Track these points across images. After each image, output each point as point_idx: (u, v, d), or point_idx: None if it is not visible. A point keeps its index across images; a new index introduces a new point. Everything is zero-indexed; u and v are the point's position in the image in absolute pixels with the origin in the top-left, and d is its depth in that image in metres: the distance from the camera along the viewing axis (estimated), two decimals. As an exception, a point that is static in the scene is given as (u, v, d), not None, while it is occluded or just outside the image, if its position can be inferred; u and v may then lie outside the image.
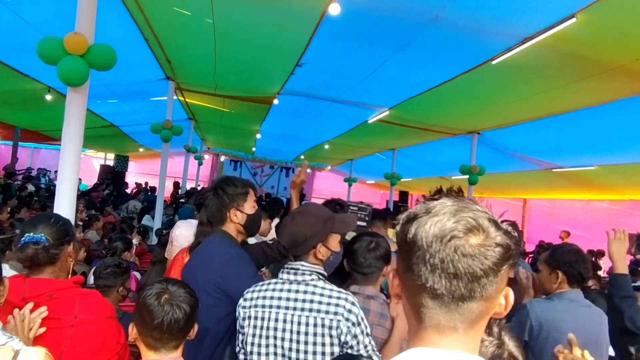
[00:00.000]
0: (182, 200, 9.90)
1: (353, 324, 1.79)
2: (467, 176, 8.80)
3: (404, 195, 15.76)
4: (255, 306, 1.88)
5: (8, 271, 2.58)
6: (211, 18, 4.99)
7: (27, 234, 1.76)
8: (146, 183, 16.46)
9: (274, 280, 1.92)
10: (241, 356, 1.93)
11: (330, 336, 1.78)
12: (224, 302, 2.07)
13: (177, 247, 4.06)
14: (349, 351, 1.80)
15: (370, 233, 2.60)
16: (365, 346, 1.81)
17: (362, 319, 1.82)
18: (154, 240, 6.99)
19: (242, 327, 1.91)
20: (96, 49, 3.16)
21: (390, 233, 3.89)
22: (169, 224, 8.05)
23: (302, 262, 1.90)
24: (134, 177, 18.87)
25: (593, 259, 9.75)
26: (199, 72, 7.44)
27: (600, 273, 7.63)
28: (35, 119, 11.09)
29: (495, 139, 8.84)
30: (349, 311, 1.79)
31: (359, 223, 3.72)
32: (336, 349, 1.78)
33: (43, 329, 1.68)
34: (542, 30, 4.17)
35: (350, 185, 16.26)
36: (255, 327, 1.86)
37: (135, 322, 1.60)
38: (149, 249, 6.05)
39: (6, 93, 8.27)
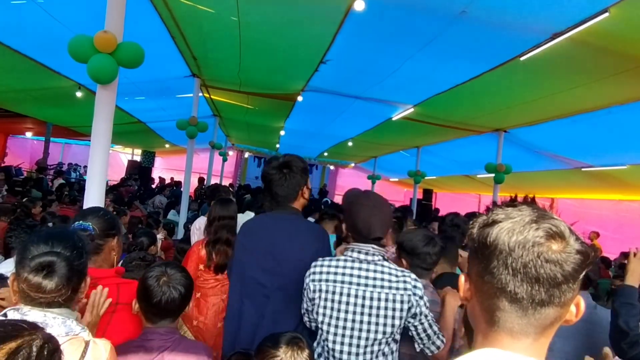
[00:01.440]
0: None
1: (420, 297, 2.03)
2: (492, 175, 8.66)
3: (428, 193, 15.62)
4: (327, 280, 2.07)
5: None
6: (236, 15, 5.02)
7: (77, 222, 1.91)
8: (172, 178, 16.73)
9: (343, 258, 2.11)
10: (305, 318, 2.18)
11: (401, 310, 2.00)
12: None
13: (195, 240, 4.17)
14: (411, 320, 2.04)
15: (425, 229, 2.80)
16: (426, 316, 2.06)
17: (424, 294, 2.07)
18: (180, 235, 7.11)
19: (313, 299, 2.08)
20: (125, 47, 3.22)
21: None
22: (193, 219, 8.18)
23: (373, 245, 2.09)
24: (160, 172, 19.21)
25: (625, 261, 9.47)
26: (224, 69, 7.51)
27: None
28: (66, 115, 11.39)
29: (522, 137, 8.66)
30: (414, 287, 2.03)
31: None
32: (399, 322, 2.01)
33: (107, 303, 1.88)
34: (572, 26, 4.06)
35: (373, 183, 16.18)
36: (326, 299, 2.05)
37: (137, 298, 1.84)
38: (174, 244, 6.16)
39: (38, 90, 8.51)
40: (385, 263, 2.08)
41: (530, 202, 0.90)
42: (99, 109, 3.29)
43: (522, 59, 4.89)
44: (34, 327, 1.05)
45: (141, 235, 4.30)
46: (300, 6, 4.72)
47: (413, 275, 2.08)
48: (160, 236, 5.52)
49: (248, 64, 6.86)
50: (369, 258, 2.07)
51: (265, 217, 2.46)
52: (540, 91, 6.13)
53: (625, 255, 9.90)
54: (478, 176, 12.68)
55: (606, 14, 3.74)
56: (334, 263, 2.09)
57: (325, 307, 2.05)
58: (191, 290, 1.91)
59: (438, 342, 2.10)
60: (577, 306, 0.85)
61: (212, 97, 10.11)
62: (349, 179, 21.18)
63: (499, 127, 8.49)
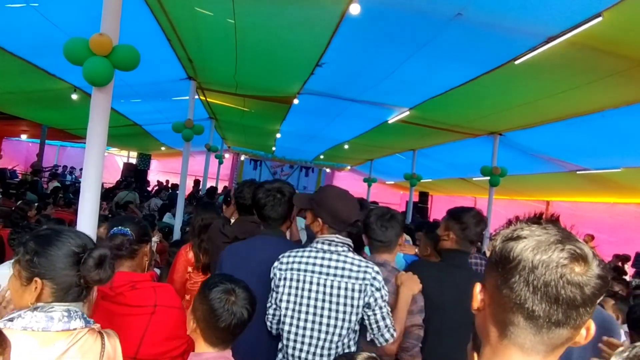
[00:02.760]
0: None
1: (377, 289, 2.13)
2: (488, 177, 8.69)
3: (423, 196, 15.65)
4: (292, 269, 2.19)
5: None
6: (232, 18, 5.03)
7: (116, 227, 2.02)
8: (167, 181, 16.70)
9: (308, 249, 2.24)
10: (271, 311, 2.25)
11: (359, 299, 2.11)
12: None
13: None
14: (366, 310, 2.13)
15: (384, 207, 2.88)
16: (381, 308, 2.15)
17: (383, 286, 2.16)
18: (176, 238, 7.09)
19: (278, 286, 2.21)
20: (120, 50, 3.22)
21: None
22: (188, 222, 8.15)
23: (337, 236, 2.22)
24: (156, 175, 19.17)
25: (619, 263, 9.52)
26: (220, 72, 7.51)
27: (626, 278, 7.45)
28: (62, 117, 11.35)
29: (517, 140, 8.69)
30: (374, 278, 2.13)
31: None
32: (357, 311, 2.11)
33: None
34: (567, 30, 4.09)
35: (369, 186, 16.19)
36: (290, 287, 2.18)
37: (197, 319, 1.65)
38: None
39: (34, 92, 8.49)
40: (349, 254, 2.20)
41: (555, 221, 0.90)
42: (94, 112, 3.29)
43: (517, 62, 4.92)
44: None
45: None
46: (297, 9, 4.73)
47: (376, 268, 2.17)
48: (155, 239, 5.50)
49: (244, 66, 6.87)
50: (332, 248, 2.19)
51: (251, 240, 2.57)
52: (535, 94, 6.16)
53: (618, 257, 9.96)
54: (474, 179, 12.71)
55: (600, 18, 3.77)
56: (299, 254, 2.23)
57: (289, 294, 2.18)
58: (256, 305, 1.74)
59: (387, 335, 2.17)
60: (588, 330, 0.85)
61: (208, 99, 10.11)
62: (345, 182, 21.17)
63: (495, 130, 8.52)
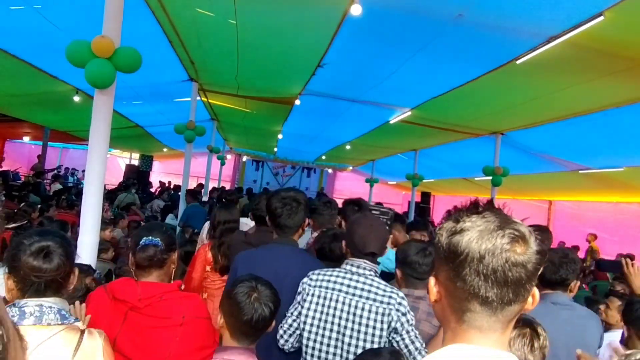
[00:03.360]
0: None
1: (402, 314, 2.15)
2: (490, 177, 8.67)
3: (426, 196, 15.62)
4: (320, 287, 2.24)
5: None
6: (234, 19, 5.04)
7: (144, 238, 1.98)
8: (169, 182, 16.72)
9: (337, 270, 2.28)
10: (290, 321, 2.27)
11: (382, 322, 2.13)
12: None
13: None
14: (394, 335, 2.15)
15: (420, 240, 2.93)
16: (408, 332, 2.16)
17: (409, 311, 2.18)
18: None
19: (304, 300, 2.25)
20: (122, 52, 3.23)
21: None
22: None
23: (365, 261, 2.26)
24: (158, 176, 19.20)
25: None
26: (222, 73, 7.53)
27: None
28: (64, 119, 11.38)
29: (519, 140, 8.68)
30: (399, 303, 2.16)
31: None
32: (383, 334, 2.14)
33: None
34: (568, 29, 4.09)
35: (371, 186, 16.20)
36: (317, 303, 2.22)
37: (224, 313, 1.77)
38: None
39: (36, 94, 8.52)
40: (376, 278, 2.25)
41: (492, 208, 0.94)
42: (96, 114, 3.30)
43: (518, 62, 4.91)
44: None
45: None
46: (298, 10, 4.74)
47: (401, 294, 2.21)
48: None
49: (246, 68, 6.88)
50: (361, 271, 2.24)
51: (265, 248, 2.60)
52: (536, 94, 6.16)
53: (623, 257, 9.91)
54: (476, 179, 12.69)
55: (601, 18, 3.76)
56: (328, 273, 2.27)
57: (315, 310, 2.22)
58: (279, 307, 1.82)
59: (419, 358, 2.15)
60: (534, 296, 0.92)
61: (210, 101, 10.12)
62: (347, 183, 21.20)
63: (497, 129, 8.51)
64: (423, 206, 14.67)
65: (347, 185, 20.92)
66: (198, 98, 8.71)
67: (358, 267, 2.25)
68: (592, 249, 10.78)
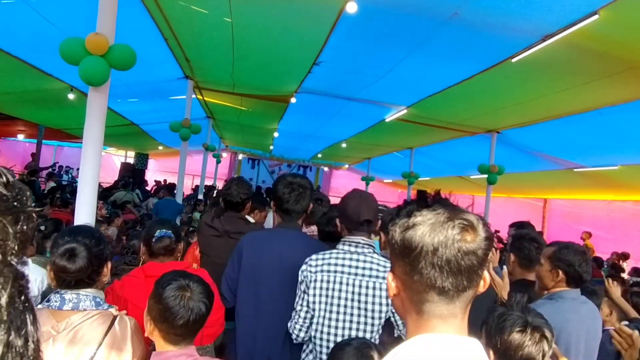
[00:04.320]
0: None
1: None
2: (485, 175, 8.70)
3: (422, 194, 15.63)
4: (322, 271, 2.23)
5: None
6: (229, 16, 5.02)
7: (159, 230, 2.30)
8: (165, 180, 16.67)
9: (334, 251, 2.27)
10: (302, 314, 2.27)
11: (386, 297, 2.14)
12: None
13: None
14: (392, 307, 2.14)
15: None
16: None
17: None
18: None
19: (308, 288, 2.25)
20: (116, 49, 3.21)
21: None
22: (188, 222, 8.15)
23: (362, 237, 2.26)
24: (153, 174, 19.13)
25: (617, 260, 9.55)
26: (217, 71, 7.50)
27: (624, 275, 7.47)
28: (58, 117, 11.32)
29: (515, 138, 8.71)
30: None
31: None
32: (387, 309, 2.16)
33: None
34: (563, 28, 4.10)
35: (367, 184, 16.20)
36: (321, 288, 2.22)
37: (154, 319, 1.63)
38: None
39: (30, 92, 8.46)
40: (375, 255, 2.25)
41: (440, 199, 0.99)
42: (90, 111, 3.28)
43: (513, 60, 4.93)
44: None
45: (133, 238, 4.28)
46: (294, 8, 4.72)
47: None
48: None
49: (241, 65, 6.86)
50: (359, 250, 2.24)
51: (270, 231, 2.69)
52: (532, 92, 6.17)
53: (617, 255, 9.98)
54: (471, 177, 12.73)
55: (596, 16, 3.77)
56: (326, 256, 2.26)
57: (320, 295, 2.21)
58: (213, 298, 1.74)
59: None
60: (484, 280, 0.96)
61: (205, 99, 10.09)
62: (343, 181, 21.19)
63: (492, 128, 8.53)
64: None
65: (343, 184, 20.89)
66: (193, 96, 8.68)
67: (356, 245, 2.24)
68: (587, 247, 10.83)
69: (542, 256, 2.64)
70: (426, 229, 0.91)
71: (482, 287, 0.96)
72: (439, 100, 7.00)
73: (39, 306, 1.74)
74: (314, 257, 2.28)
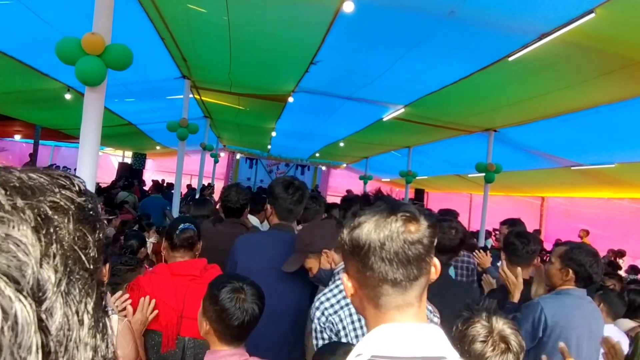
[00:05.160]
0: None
1: None
2: (483, 174, 8.71)
3: (419, 193, 15.68)
4: (341, 308, 2.01)
5: None
6: (226, 15, 5.01)
7: (182, 224, 2.39)
8: (162, 180, 16.64)
9: (334, 287, 2.08)
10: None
11: None
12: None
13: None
14: None
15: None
16: None
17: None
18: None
19: (339, 331, 1.99)
20: (113, 49, 3.20)
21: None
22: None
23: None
24: (151, 174, 19.09)
25: (613, 258, 9.58)
26: (214, 71, 7.49)
27: (621, 273, 7.49)
28: (55, 117, 11.29)
29: (512, 136, 8.72)
30: None
31: None
32: None
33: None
34: (559, 26, 4.10)
35: (365, 183, 16.20)
36: (350, 322, 2.00)
37: (209, 320, 1.70)
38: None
39: (27, 92, 8.43)
40: None
41: (382, 196, 1.04)
42: (87, 112, 3.27)
43: (510, 59, 4.93)
44: None
45: (131, 238, 4.27)
46: (291, 7, 4.72)
47: None
48: (152, 240, 5.48)
49: (238, 65, 6.85)
50: None
51: (263, 234, 2.71)
52: (529, 91, 6.19)
53: (613, 252, 10.00)
54: (469, 176, 12.75)
55: (592, 15, 3.78)
56: (336, 292, 2.06)
57: (356, 329, 2.02)
58: (264, 300, 1.79)
59: None
60: (435, 267, 1.01)
61: (202, 98, 10.08)
62: (341, 180, 21.19)
63: (489, 126, 8.54)
64: (417, 203, 14.71)
65: (341, 183, 20.90)
66: (191, 95, 8.67)
67: None
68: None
69: (552, 255, 2.69)
70: (371, 225, 0.95)
71: (433, 274, 1.00)
72: (436, 99, 7.01)
73: None
74: (323, 299, 2.05)
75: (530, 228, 4.78)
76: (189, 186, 13.10)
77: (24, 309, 0.30)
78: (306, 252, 2.28)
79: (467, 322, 1.57)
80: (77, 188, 0.43)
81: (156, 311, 2.15)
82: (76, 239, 0.39)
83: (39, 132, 13.52)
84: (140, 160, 18.03)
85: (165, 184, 15.35)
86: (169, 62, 7.07)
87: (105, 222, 0.52)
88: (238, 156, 20.65)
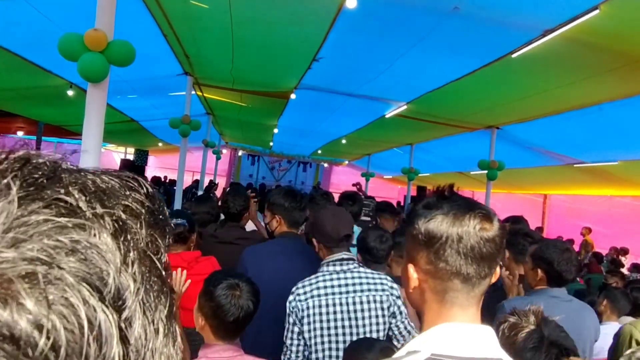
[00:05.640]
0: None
1: (397, 297, 2.21)
2: (485, 171, 8.69)
3: (421, 190, 15.66)
4: (312, 297, 2.16)
5: None
6: (228, 12, 5.00)
7: (174, 219, 2.42)
8: (165, 177, 16.66)
9: (319, 275, 2.23)
10: (294, 348, 2.18)
11: (382, 309, 2.17)
12: None
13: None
14: (392, 320, 2.20)
15: (377, 227, 3.14)
16: (401, 313, 2.21)
17: (399, 295, 2.22)
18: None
19: (302, 318, 2.16)
20: (115, 45, 3.20)
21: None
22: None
23: (344, 253, 2.24)
24: (153, 171, 19.12)
25: (616, 255, 9.56)
26: (217, 67, 7.49)
27: (623, 270, 7.48)
28: (58, 114, 11.30)
29: (515, 134, 8.70)
30: (391, 287, 2.22)
31: (363, 218, 4.19)
32: (386, 319, 2.18)
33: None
34: (563, 23, 4.08)
35: (367, 180, 16.19)
36: (314, 314, 2.15)
37: (205, 316, 1.74)
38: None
39: (29, 89, 8.44)
40: (361, 268, 2.26)
41: (456, 193, 1.06)
42: (89, 108, 3.27)
43: (514, 55, 4.91)
44: None
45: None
46: (293, 4, 4.71)
47: (389, 277, 2.27)
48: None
49: (241, 61, 6.84)
50: (344, 267, 2.22)
51: (271, 243, 2.76)
52: (532, 88, 6.16)
53: (616, 250, 9.99)
54: (471, 173, 12.72)
55: (597, 11, 3.76)
56: (313, 280, 2.21)
57: (315, 322, 2.15)
58: (259, 295, 1.83)
59: (408, 338, 2.17)
60: (496, 273, 1.03)
61: (205, 95, 10.07)
62: (343, 177, 21.18)
63: (492, 123, 8.52)
64: (419, 200, 14.70)
65: (343, 180, 20.88)
66: (193, 92, 8.66)
67: (340, 263, 2.21)
68: (587, 242, 10.85)
69: (527, 254, 2.55)
70: (449, 219, 0.97)
71: (493, 277, 1.02)
72: (439, 96, 6.99)
73: None
74: (300, 285, 2.20)
75: (532, 226, 4.77)
76: (195, 181, 13.18)
77: (107, 320, 0.30)
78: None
79: (515, 327, 1.49)
80: (144, 190, 0.42)
81: (188, 282, 2.17)
82: (149, 244, 0.38)
83: (41, 129, 13.54)
84: (142, 156, 18.07)
85: (167, 180, 15.40)
86: (172, 58, 7.06)
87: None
88: (240, 153, 20.66)
